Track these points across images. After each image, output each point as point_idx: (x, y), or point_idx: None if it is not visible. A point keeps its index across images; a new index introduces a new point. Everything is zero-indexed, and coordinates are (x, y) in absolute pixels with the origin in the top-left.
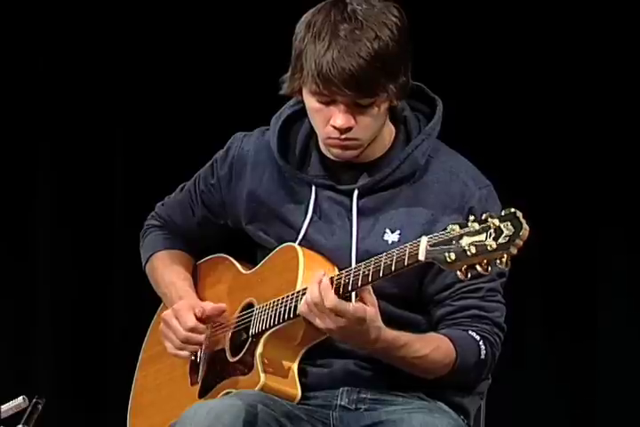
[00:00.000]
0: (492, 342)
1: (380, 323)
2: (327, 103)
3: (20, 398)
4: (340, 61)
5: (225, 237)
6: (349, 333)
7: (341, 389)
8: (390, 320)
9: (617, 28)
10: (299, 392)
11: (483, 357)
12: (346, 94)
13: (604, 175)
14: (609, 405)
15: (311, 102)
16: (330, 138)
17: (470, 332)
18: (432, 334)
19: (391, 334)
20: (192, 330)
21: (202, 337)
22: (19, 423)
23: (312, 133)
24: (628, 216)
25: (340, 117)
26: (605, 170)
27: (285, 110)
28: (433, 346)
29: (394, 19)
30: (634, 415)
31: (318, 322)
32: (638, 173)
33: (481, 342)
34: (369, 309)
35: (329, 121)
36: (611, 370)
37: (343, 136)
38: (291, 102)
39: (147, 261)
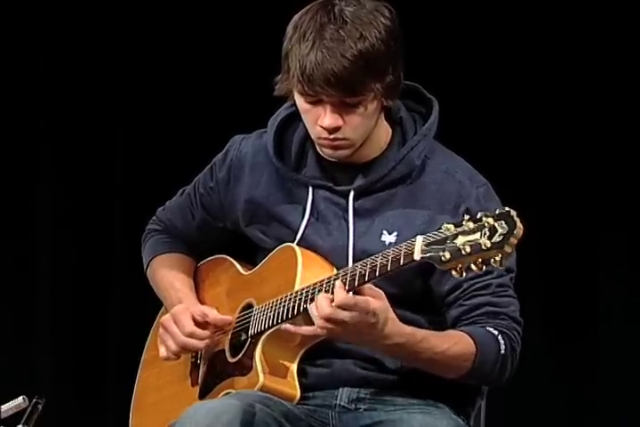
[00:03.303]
0: (511, 337)
1: (392, 315)
2: (314, 103)
3: (20, 398)
4: (324, 62)
5: (225, 239)
6: (365, 330)
7: (341, 389)
8: None
9: (617, 28)
10: (298, 393)
11: (503, 351)
12: (330, 94)
13: (605, 175)
14: (610, 404)
15: (300, 103)
16: (320, 138)
17: (488, 328)
18: (450, 331)
19: (407, 328)
20: (191, 335)
21: (201, 344)
22: (19, 423)
23: (308, 134)
24: (629, 215)
25: (327, 117)
26: (606, 170)
27: (282, 112)
28: (452, 341)
29: (382, 19)
30: (636, 414)
31: (338, 330)
32: (638, 174)
33: (499, 337)
34: (372, 301)
35: (318, 121)
36: (612, 370)
37: (332, 136)
38: (287, 104)
39: (148, 265)
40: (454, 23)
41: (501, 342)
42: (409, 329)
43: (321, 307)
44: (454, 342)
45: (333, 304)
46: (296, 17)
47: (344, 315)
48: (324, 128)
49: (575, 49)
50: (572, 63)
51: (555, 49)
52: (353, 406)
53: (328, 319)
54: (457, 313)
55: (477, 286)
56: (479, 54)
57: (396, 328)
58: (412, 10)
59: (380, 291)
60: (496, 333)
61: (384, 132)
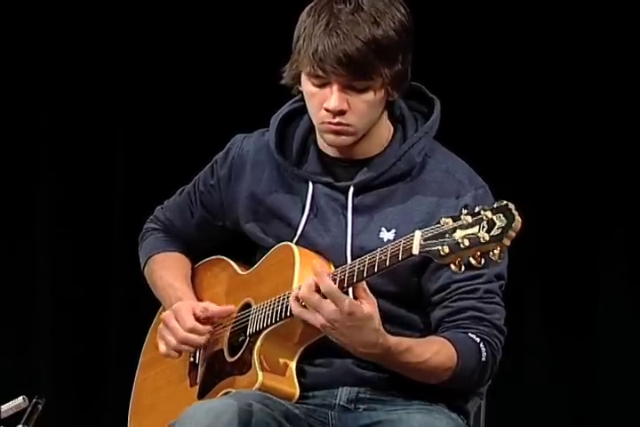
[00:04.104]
0: (493, 345)
1: (379, 326)
2: (322, 86)
3: (20, 398)
4: (337, 42)
5: (224, 238)
6: (345, 330)
7: (340, 388)
8: (388, 319)
9: (617, 28)
10: (297, 391)
11: (484, 359)
12: (340, 73)
13: (606, 176)
14: (610, 404)
15: (307, 86)
16: (323, 123)
17: (470, 334)
18: (432, 338)
19: (392, 339)
20: (192, 331)
21: (201, 339)
22: (19, 423)
23: (310, 130)
24: (628, 215)
25: (333, 99)
26: (607, 170)
27: (284, 108)
28: (434, 350)
29: (397, 13)
30: (635, 415)
31: (312, 318)
32: (638, 175)
33: (481, 345)
34: (365, 306)
35: (323, 104)
36: (611, 370)
37: (336, 120)
38: (289, 102)
39: (145, 264)
40: (456, 24)
41: (483, 349)
42: (393, 340)
43: (301, 289)
44: (436, 351)
45: (322, 289)
46: (310, 5)
47: (319, 303)
48: (330, 111)
49: (575, 49)
50: (572, 63)
51: (555, 49)
52: (352, 405)
53: (302, 299)
54: (441, 314)
55: (465, 289)
56: (482, 55)
57: (382, 339)
58: (415, 9)
59: (374, 298)
60: (478, 340)
61: (386, 129)
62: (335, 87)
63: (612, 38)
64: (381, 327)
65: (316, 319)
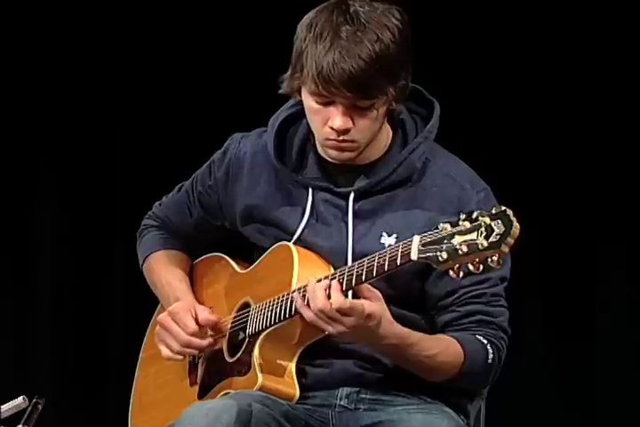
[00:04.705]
0: (499, 347)
1: (389, 316)
2: (326, 104)
3: (20, 398)
4: (341, 63)
5: (223, 236)
6: (359, 331)
7: (341, 389)
8: None
9: (617, 28)
10: (297, 392)
11: (490, 360)
12: (345, 96)
13: (606, 182)
14: (609, 405)
15: (310, 103)
16: (327, 139)
17: (478, 336)
18: (441, 335)
19: (402, 330)
20: (194, 334)
21: (204, 342)
22: (19, 423)
23: (309, 135)
24: (627, 219)
25: (338, 119)
26: (607, 176)
27: (283, 112)
28: (443, 346)
29: (396, 22)
30: (634, 416)
31: (330, 328)
32: (638, 180)
33: (488, 346)
34: (368, 304)
35: (327, 122)
36: (610, 370)
37: (341, 138)
38: (288, 104)
39: (144, 262)
40: (455, 25)
41: (490, 351)
42: (403, 331)
43: (317, 299)
44: (444, 348)
45: (333, 307)
46: (310, 16)
47: (338, 317)
48: (335, 129)
49: (575, 55)
50: (572, 67)
51: (554, 54)
52: (353, 406)
53: (321, 312)
54: (448, 318)
55: (472, 293)
56: (481, 56)
57: (391, 330)
58: (413, 11)
59: (378, 292)
60: (485, 342)
61: (385, 133)
62: (340, 107)
63: (612, 39)
64: (392, 318)
65: (335, 329)
